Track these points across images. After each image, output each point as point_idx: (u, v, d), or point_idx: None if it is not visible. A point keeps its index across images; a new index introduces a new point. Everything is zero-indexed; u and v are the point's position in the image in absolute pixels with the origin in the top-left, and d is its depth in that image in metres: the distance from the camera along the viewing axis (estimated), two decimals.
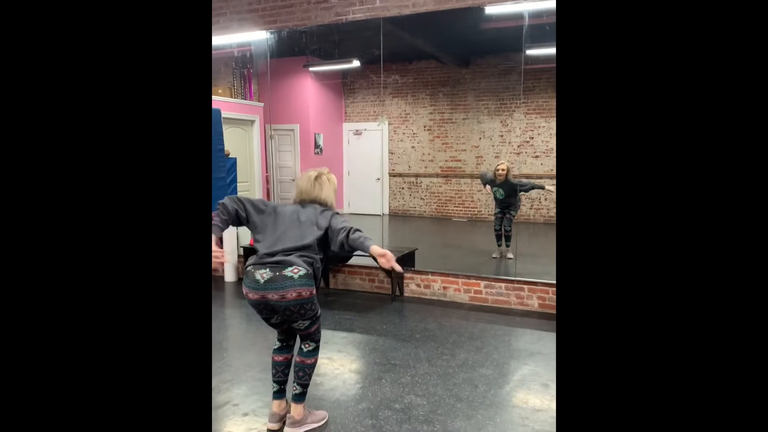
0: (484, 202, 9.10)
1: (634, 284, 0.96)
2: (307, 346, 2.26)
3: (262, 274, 2.02)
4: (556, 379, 0.88)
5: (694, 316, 0.93)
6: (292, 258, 2.04)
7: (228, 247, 5.03)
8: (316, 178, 2.29)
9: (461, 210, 9.29)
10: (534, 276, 4.23)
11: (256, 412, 2.44)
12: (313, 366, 2.27)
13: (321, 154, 9.29)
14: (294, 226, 2.15)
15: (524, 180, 5.86)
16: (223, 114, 6.75)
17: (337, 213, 2.25)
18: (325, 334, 3.55)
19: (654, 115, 0.95)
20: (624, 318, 0.96)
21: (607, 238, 0.98)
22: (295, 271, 2.02)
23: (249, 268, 2.07)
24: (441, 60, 8.24)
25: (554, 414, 2.41)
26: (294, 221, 2.16)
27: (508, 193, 5.35)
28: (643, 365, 0.95)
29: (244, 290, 2.10)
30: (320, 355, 3.21)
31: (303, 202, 2.27)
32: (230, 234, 5.03)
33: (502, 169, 5.30)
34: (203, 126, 1.07)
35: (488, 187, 5.49)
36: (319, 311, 2.21)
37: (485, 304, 4.29)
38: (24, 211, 0.95)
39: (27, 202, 0.95)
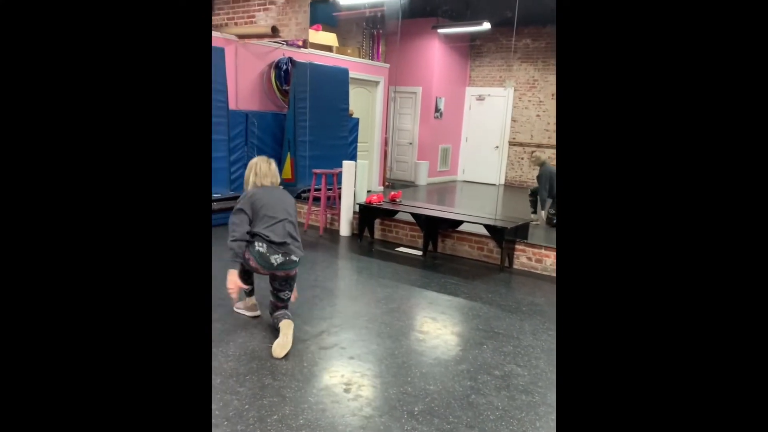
0: None
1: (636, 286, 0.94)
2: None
3: (276, 259, 2.71)
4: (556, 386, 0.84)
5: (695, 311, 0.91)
6: (292, 248, 2.75)
7: (345, 203, 5.28)
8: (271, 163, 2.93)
9: None
10: None
11: (361, 357, 2.60)
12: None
13: (441, 118, 9.20)
14: (283, 215, 2.76)
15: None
16: (351, 74, 6.95)
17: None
18: (430, 296, 3.63)
19: (654, 109, 0.94)
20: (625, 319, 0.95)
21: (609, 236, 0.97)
22: (295, 258, 2.77)
23: (263, 252, 2.69)
24: None
25: None
26: (282, 210, 2.77)
27: None
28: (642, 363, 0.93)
29: (254, 265, 2.75)
30: (424, 314, 3.30)
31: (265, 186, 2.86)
32: (348, 191, 5.26)
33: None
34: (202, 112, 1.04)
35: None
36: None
37: None
38: (21, 187, 0.92)
39: (24, 178, 0.92)
